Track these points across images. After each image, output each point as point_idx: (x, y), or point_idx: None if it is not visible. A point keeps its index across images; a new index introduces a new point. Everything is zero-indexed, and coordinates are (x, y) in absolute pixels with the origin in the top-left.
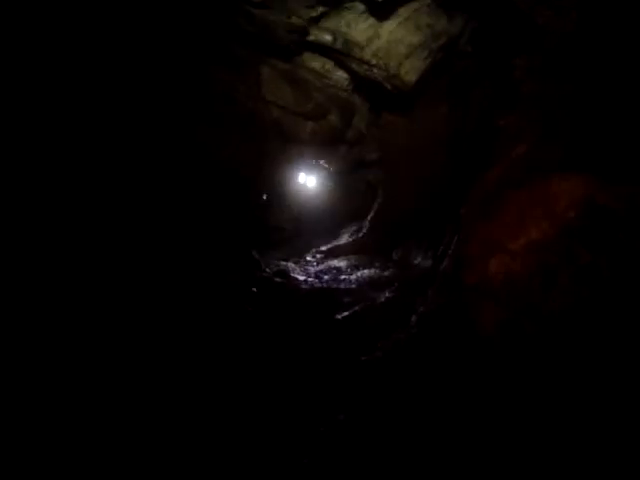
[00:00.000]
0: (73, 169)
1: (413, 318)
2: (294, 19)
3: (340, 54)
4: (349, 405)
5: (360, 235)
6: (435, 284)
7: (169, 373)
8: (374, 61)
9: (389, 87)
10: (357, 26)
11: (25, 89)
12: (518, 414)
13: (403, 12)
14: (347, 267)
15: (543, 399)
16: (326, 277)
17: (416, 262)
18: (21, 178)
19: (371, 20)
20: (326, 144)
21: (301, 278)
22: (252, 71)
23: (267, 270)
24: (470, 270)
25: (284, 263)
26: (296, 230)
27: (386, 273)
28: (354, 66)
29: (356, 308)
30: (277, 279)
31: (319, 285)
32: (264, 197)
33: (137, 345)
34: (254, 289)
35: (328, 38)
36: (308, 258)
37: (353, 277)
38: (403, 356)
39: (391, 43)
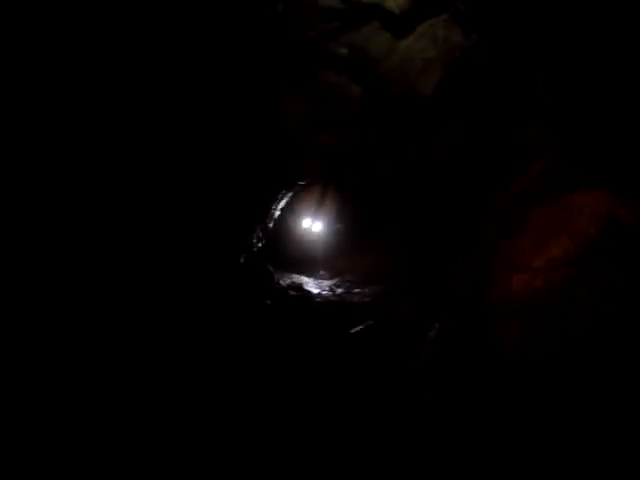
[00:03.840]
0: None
1: (431, 333)
2: (310, 33)
3: (356, 68)
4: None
5: (376, 250)
6: (455, 300)
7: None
8: (390, 75)
9: (405, 101)
10: (374, 40)
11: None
12: (536, 430)
13: (420, 27)
14: (361, 281)
15: (563, 416)
16: (340, 290)
17: (435, 277)
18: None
19: (388, 34)
20: (341, 158)
21: (315, 291)
22: (270, 83)
23: (281, 283)
24: (492, 287)
25: (297, 276)
26: (309, 245)
27: (403, 287)
28: (370, 80)
29: (371, 322)
30: (291, 292)
31: (333, 298)
32: (277, 212)
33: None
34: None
35: (344, 52)
36: (321, 272)
37: (367, 290)
38: (422, 373)
39: (407, 57)
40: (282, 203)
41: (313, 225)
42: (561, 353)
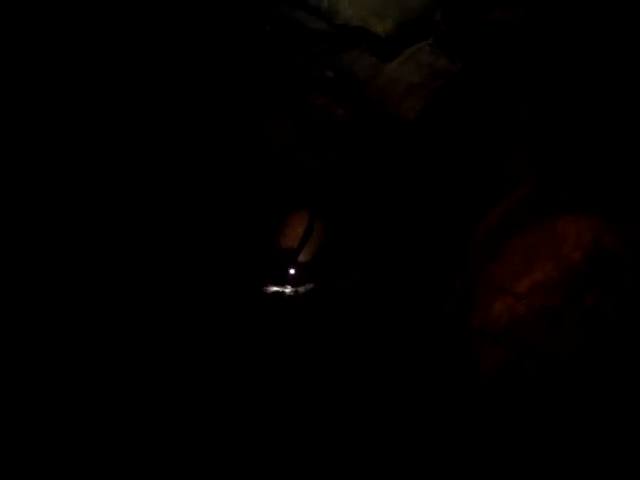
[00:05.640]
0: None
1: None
2: (297, 55)
3: (341, 91)
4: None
5: (358, 273)
6: (438, 325)
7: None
8: (375, 98)
9: (389, 123)
10: (360, 63)
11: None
12: (515, 461)
13: (405, 51)
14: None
15: (544, 445)
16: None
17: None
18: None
19: (373, 58)
20: (325, 180)
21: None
22: (256, 106)
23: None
24: (474, 311)
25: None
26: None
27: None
28: (355, 103)
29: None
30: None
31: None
32: (260, 236)
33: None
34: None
35: (330, 74)
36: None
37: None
38: (402, 401)
39: (392, 81)
40: (266, 227)
41: (296, 248)
42: (545, 380)
